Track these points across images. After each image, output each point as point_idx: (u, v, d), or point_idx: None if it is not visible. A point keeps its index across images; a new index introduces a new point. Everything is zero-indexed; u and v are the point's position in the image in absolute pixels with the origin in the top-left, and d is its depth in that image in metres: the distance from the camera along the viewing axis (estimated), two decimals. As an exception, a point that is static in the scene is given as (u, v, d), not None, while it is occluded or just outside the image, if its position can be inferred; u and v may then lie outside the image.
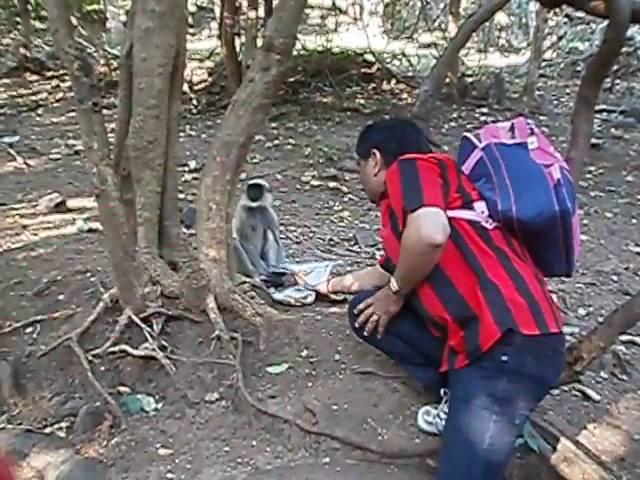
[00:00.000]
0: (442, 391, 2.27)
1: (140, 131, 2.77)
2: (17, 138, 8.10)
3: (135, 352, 2.74)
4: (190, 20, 15.80)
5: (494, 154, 2.23)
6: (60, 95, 10.28)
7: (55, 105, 9.98)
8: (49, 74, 11.24)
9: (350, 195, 6.59)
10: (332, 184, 6.83)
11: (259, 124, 2.83)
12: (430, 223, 1.98)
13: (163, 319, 2.85)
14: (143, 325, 2.78)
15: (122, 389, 2.72)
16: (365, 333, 2.42)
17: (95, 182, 2.61)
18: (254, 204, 3.62)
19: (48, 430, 2.55)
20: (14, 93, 10.52)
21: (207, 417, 2.56)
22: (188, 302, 2.86)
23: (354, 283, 2.95)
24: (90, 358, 2.76)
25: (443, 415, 2.25)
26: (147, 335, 2.77)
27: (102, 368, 2.77)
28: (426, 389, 2.48)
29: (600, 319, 3.86)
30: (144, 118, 2.76)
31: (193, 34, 15.87)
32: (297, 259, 4.49)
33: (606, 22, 3.01)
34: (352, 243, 5.18)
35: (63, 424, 2.58)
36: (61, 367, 2.84)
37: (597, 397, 2.88)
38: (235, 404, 2.59)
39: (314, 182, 6.89)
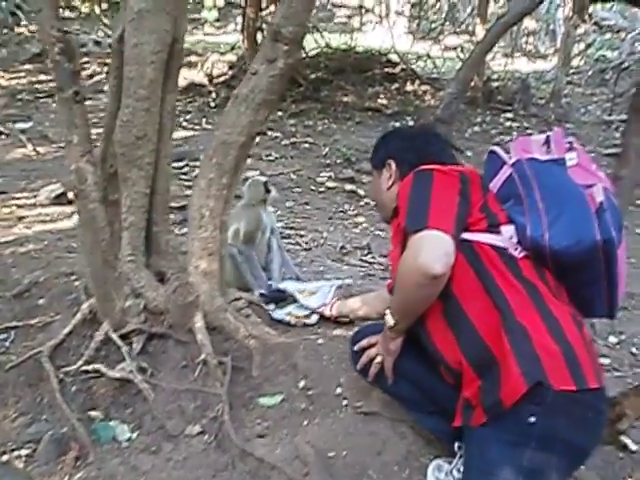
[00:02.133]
0: (456, 445, 1.93)
1: (128, 125, 2.47)
2: (30, 124, 7.92)
3: (110, 373, 2.45)
4: (216, 14, 15.74)
5: (525, 171, 1.88)
6: (79, 83, 10.06)
7: (72, 92, 9.77)
8: (71, 61, 11.05)
9: (366, 199, 6.27)
10: (348, 187, 6.55)
11: (262, 123, 2.49)
12: (429, 250, 1.66)
13: (144, 337, 2.55)
14: (121, 343, 2.48)
15: (94, 414, 2.43)
16: (369, 378, 2.09)
17: (73, 181, 2.31)
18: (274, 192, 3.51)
19: (5, 458, 2.28)
20: (34, 79, 10.32)
21: (186, 453, 2.25)
22: (173, 319, 2.54)
23: (360, 308, 2.61)
24: (61, 376, 2.48)
25: (457, 474, 1.92)
26: (125, 354, 2.46)
27: (73, 388, 2.49)
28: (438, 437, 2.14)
29: (634, 349, 3.57)
30: (133, 111, 2.45)
31: (219, 27, 15.73)
32: (304, 268, 4.16)
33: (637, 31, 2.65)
34: (365, 252, 4.88)
35: (24, 451, 2.31)
36: (30, 383, 2.57)
37: (634, 447, 2.50)
38: (218, 440, 2.27)
39: (330, 184, 6.61)
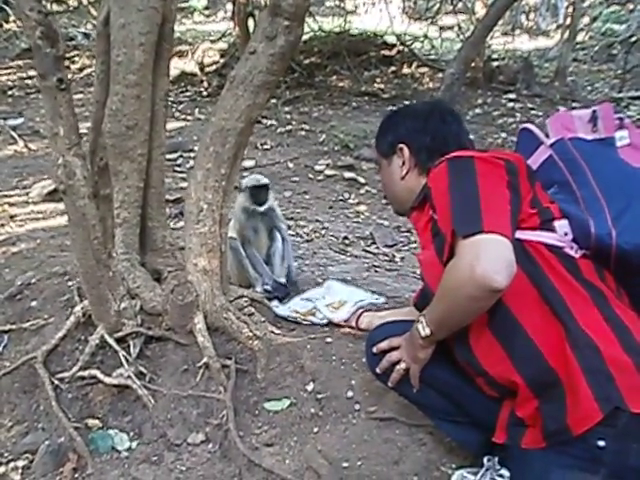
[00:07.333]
0: (485, 459, 1.73)
1: (118, 114, 2.30)
2: (21, 120, 7.77)
3: (107, 380, 2.31)
4: (205, 2, 15.50)
5: (570, 153, 1.68)
6: (69, 77, 9.85)
7: (63, 87, 9.62)
8: (61, 55, 10.87)
9: (367, 187, 6.11)
10: (348, 174, 6.36)
11: (262, 106, 2.30)
12: (490, 259, 1.43)
13: (142, 340, 2.41)
14: (117, 347, 2.34)
15: (91, 422, 2.30)
16: (389, 384, 1.87)
17: (60, 176, 2.15)
18: (261, 208, 2.98)
19: (1, 470, 2.17)
20: (24, 75, 10.16)
21: (189, 464, 2.12)
22: (172, 321, 2.39)
23: None
24: (56, 383, 2.35)
25: (483, 487, 1.75)
26: (122, 359, 2.32)
27: (69, 395, 2.37)
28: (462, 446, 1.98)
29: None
30: (122, 98, 2.29)
31: (208, 16, 15.52)
32: (307, 261, 3.99)
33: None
34: (369, 242, 4.72)
35: (20, 462, 2.20)
36: (25, 389, 2.45)
37: None
38: (223, 449, 2.14)
39: (328, 172, 6.42)
